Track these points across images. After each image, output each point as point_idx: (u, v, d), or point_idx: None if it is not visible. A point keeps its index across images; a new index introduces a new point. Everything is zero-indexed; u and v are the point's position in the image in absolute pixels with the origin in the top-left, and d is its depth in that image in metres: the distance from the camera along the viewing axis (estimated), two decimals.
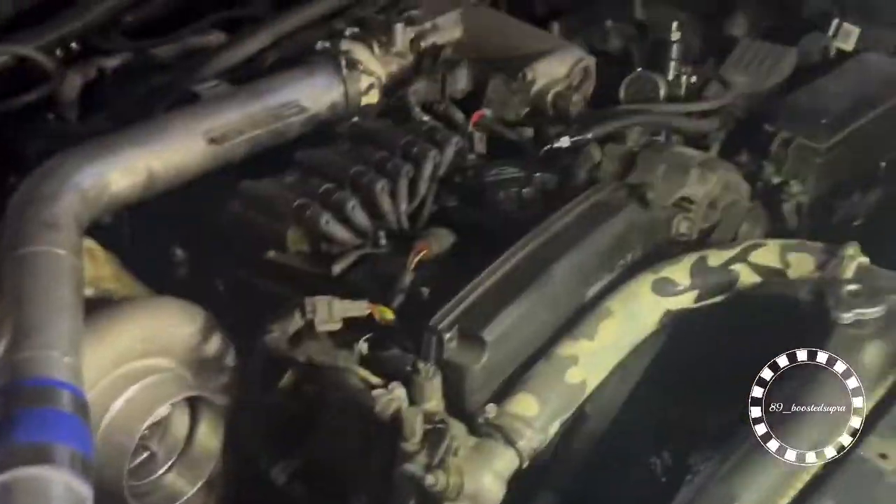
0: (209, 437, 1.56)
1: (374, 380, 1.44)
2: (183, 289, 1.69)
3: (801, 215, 2.01)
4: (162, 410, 1.51)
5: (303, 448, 1.56)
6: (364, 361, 1.47)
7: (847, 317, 1.43)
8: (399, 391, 1.41)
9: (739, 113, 2.10)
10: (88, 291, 1.53)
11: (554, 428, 1.45)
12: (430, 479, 1.31)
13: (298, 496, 1.54)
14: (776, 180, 1.99)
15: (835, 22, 2.28)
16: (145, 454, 1.55)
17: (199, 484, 1.56)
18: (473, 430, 1.41)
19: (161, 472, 1.56)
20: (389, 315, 1.49)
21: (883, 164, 2.21)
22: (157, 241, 1.77)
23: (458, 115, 1.94)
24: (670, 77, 2.06)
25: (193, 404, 1.54)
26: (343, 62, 1.87)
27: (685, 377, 1.76)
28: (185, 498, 1.55)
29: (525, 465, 1.41)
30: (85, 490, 1.16)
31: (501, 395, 1.45)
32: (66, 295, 1.35)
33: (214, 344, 1.56)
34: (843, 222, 2.07)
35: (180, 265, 1.74)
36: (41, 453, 1.14)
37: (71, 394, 1.23)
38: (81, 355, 1.31)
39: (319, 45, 1.91)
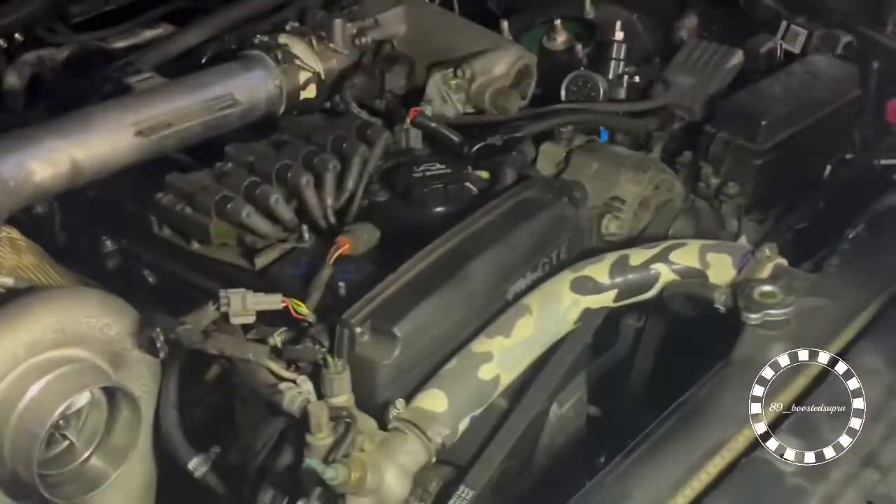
0: (128, 427, 1.55)
1: (285, 374, 1.44)
2: (113, 280, 1.71)
3: (741, 217, 2.01)
4: (78, 400, 1.51)
5: (219, 441, 1.56)
6: (277, 355, 1.47)
7: (755, 318, 1.44)
8: (307, 385, 1.42)
9: (685, 114, 2.10)
10: (9, 280, 1.54)
11: (463, 424, 1.45)
12: (329, 473, 1.31)
13: (214, 489, 1.55)
14: (715, 182, 2.00)
15: (783, 24, 2.28)
16: (64, 444, 1.55)
17: (121, 468, 1.55)
18: (382, 425, 1.42)
19: (80, 460, 1.56)
20: (304, 309, 1.49)
21: (829, 167, 2.22)
22: (87, 232, 1.77)
23: (399, 111, 1.94)
24: (611, 77, 2.07)
25: (112, 395, 1.54)
26: (279, 56, 1.87)
27: (608, 376, 1.77)
28: (107, 483, 1.54)
29: (433, 460, 1.41)
30: None
31: (413, 390, 1.46)
32: None
33: (133, 335, 1.55)
34: (785, 226, 2.08)
35: (110, 256, 1.74)
36: None
37: None
38: None
39: (257, 38, 1.91)
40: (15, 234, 1.60)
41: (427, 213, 1.71)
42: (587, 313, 1.59)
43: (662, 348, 1.82)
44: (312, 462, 1.34)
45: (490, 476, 1.53)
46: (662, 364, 1.83)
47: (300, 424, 1.40)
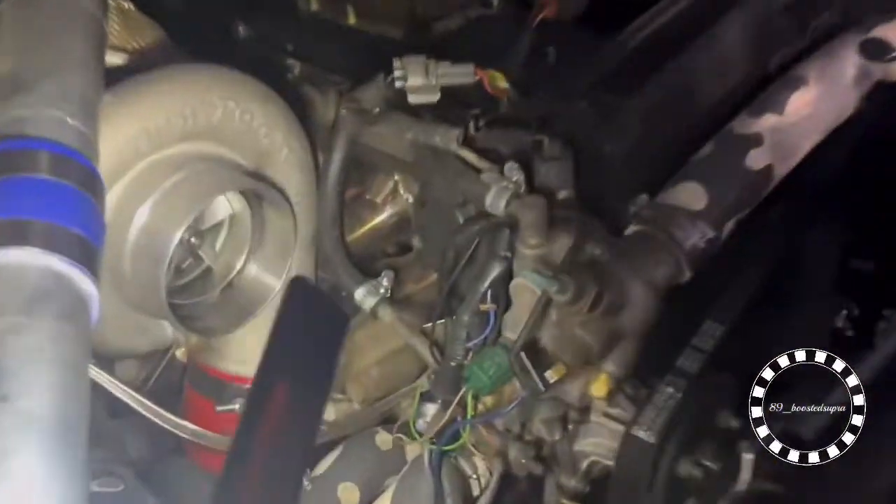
0: (279, 245, 1.23)
1: (483, 164, 1.10)
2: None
3: None
4: (215, 212, 1.19)
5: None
6: (472, 141, 1.14)
7: None
8: (517, 176, 1.07)
9: None
10: (118, 59, 1.21)
11: (729, 226, 1.11)
12: (555, 288, 0.97)
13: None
14: None
15: None
16: (200, 268, 1.23)
17: (270, 300, 1.23)
18: (617, 228, 1.08)
19: (219, 289, 1.24)
20: (503, 83, 1.17)
21: None
22: (217, 18, 1.44)
23: None
24: None
25: (257, 203, 1.21)
26: None
27: None
28: (248, 321, 1.23)
29: (688, 275, 1.06)
30: (89, 287, 0.84)
31: (656, 184, 1.13)
32: (81, 49, 1.01)
33: (278, 124, 1.21)
34: None
35: (245, 43, 1.41)
36: (22, 230, 0.82)
37: (80, 164, 0.91)
38: (98, 125, 0.98)
39: None
40: (127, 4, 1.27)
41: None
42: (880, 86, 1.22)
43: None
44: (530, 276, 1.01)
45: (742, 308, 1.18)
46: None
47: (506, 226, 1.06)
